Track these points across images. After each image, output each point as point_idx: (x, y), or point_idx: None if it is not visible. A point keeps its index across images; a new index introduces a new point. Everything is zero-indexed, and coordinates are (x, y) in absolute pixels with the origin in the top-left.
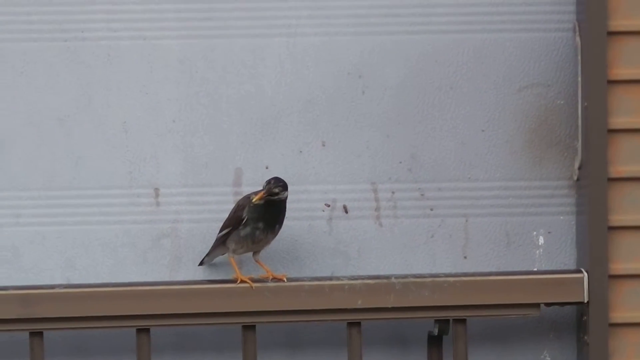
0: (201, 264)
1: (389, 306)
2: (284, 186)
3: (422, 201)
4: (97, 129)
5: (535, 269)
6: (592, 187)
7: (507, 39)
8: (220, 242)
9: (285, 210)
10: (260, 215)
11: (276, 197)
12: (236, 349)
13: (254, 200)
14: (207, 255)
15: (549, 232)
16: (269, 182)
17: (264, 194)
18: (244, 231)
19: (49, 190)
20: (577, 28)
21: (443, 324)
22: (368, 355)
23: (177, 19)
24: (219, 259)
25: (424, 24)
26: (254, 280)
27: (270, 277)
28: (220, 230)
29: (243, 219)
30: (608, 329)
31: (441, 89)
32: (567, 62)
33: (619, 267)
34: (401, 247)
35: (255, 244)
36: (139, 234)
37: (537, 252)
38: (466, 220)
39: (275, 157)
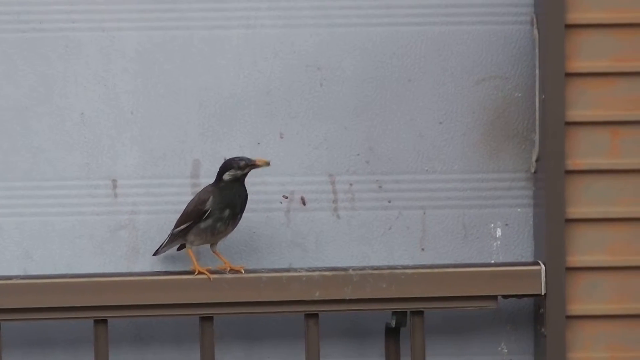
0: (155, 254)
1: (347, 298)
2: None
3: (379, 193)
4: (55, 120)
5: (492, 261)
6: (550, 179)
7: (465, 31)
8: (179, 237)
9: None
10: (227, 203)
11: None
12: (194, 340)
13: (266, 161)
14: (161, 247)
15: (506, 225)
16: (240, 158)
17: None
18: (205, 224)
19: (6, 181)
20: (535, 21)
21: (400, 315)
22: (325, 347)
23: (136, 11)
24: (173, 249)
25: (382, 16)
26: (212, 272)
27: (228, 268)
28: (177, 226)
29: (206, 211)
30: (565, 321)
31: (399, 81)
32: (525, 54)
33: (576, 259)
34: (359, 239)
35: (214, 236)
36: (97, 225)
37: (495, 244)
38: (424, 213)
39: (233, 149)
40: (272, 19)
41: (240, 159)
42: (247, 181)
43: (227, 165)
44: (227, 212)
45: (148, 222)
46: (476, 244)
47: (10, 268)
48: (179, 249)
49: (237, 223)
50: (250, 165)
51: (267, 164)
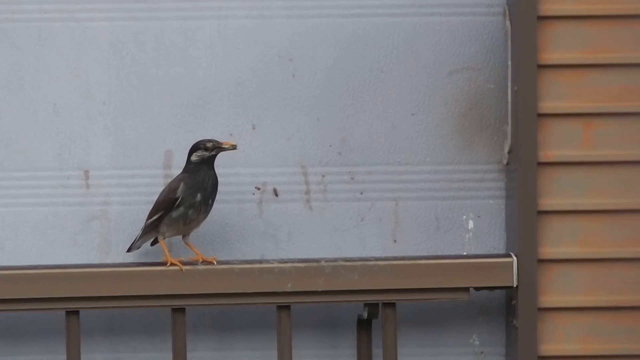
0: (129, 250)
1: (319, 289)
2: None
3: (352, 185)
4: (28, 111)
5: (464, 253)
6: (522, 171)
7: (437, 22)
8: (151, 228)
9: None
10: (199, 188)
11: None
12: (166, 331)
13: (232, 144)
14: (135, 241)
15: (478, 216)
16: (208, 140)
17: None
18: (177, 212)
19: None
20: (507, 12)
21: (372, 307)
22: (297, 339)
23: (109, 1)
24: (147, 244)
25: (355, 7)
26: (184, 263)
27: (200, 259)
28: (150, 216)
29: (177, 199)
30: (537, 313)
31: (371, 73)
32: (497, 46)
33: (548, 251)
34: (331, 231)
35: (187, 225)
36: (69, 216)
37: (467, 236)
38: (396, 204)
39: None
40: (244, 9)
41: (208, 140)
42: (219, 172)
43: (194, 147)
44: (198, 197)
45: (121, 213)
46: (448, 236)
47: None
48: (152, 244)
49: (209, 211)
50: (218, 147)
51: (234, 147)
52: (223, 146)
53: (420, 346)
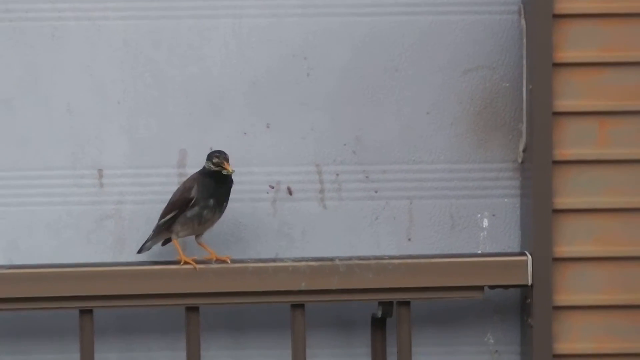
0: (140, 251)
1: (333, 288)
2: None
3: (366, 183)
4: (42, 110)
5: (479, 252)
6: (537, 170)
7: (452, 21)
8: (164, 228)
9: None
10: (212, 192)
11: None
12: (180, 330)
13: (230, 170)
14: (146, 242)
15: (493, 215)
16: (219, 153)
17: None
18: (191, 212)
19: None
20: (522, 11)
21: (387, 306)
22: (312, 338)
23: (122, 0)
24: (158, 245)
25: (369, 5)
26: (198, 262)
27: (214, 258)
28: (163, 216)
29: (192, 199)
30: (552, 312)
31: (386, 71)
32: (512, 44)
33: (563, 249)
34: (345, 229)
35: (201, 225)
36: (83, 215)
37: (482, 234)
38: (410, 203)
39: (220, 139)
40: (259, 8)
41: (218, 155)
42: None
43: (209, 156)
44: (211, 201)
45: (134, 212)
46: (463, 234)
47: None
48: (163, 244)
49: (224, 211)
50: (220, 166)
51: (231, 173)
52: (223, 168)
53: (435, 345)
